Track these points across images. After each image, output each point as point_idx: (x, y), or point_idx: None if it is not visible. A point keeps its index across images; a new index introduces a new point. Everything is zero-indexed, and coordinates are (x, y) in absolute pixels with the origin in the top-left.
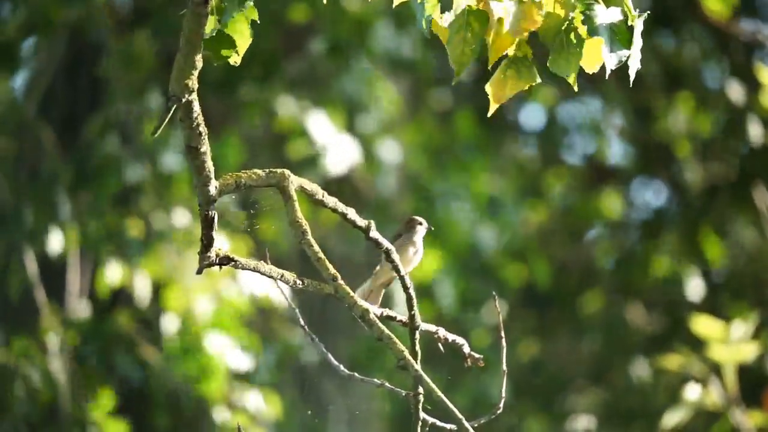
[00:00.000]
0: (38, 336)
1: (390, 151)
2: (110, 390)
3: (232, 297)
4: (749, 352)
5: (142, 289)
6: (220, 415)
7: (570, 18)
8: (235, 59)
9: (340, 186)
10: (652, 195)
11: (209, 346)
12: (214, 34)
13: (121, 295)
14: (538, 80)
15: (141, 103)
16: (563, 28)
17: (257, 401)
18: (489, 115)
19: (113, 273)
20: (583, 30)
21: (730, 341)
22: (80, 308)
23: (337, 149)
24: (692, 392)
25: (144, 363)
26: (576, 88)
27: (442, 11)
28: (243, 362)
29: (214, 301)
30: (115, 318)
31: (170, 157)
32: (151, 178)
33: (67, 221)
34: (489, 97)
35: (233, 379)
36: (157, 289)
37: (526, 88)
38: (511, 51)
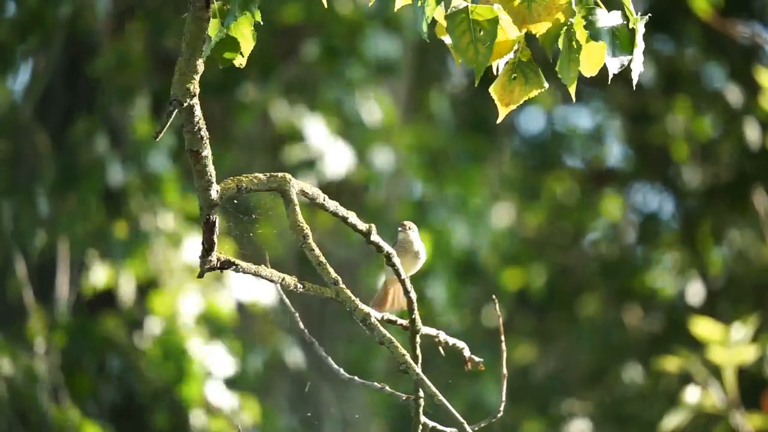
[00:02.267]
0: (24, 337)
1: (383, 158)
2: (103, 393)
3: (218, 301)
4: (749, 354)
5: (126, 291)
6: (199, 419)
7: (569, 23)
8: (240, 61)
9: (338, 189)
10: (650, 198)
11: (191, 350)
12: (219, 40)
13: (112, 297)
14: (546, 86)
15: (131, 104)
16: (562, 33)
17: (234, 406)
18: (499, 121)
19: (99, 275)
20: (582, 35)
21: (730, 344)
22: (68, 310)
23: (333, 154)
24: (692, 395)
25: (133, 365)
26: (574, 99)
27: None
28: (225, 367)
29: (200, 304)
30: (104, 320)
31: (158, 159)
32: (138, 180)
33: (54, 222)
34: (495, 102)
35: (212, 383)
36: (144, 290)
37: (536, 94)
38: (511, 55)
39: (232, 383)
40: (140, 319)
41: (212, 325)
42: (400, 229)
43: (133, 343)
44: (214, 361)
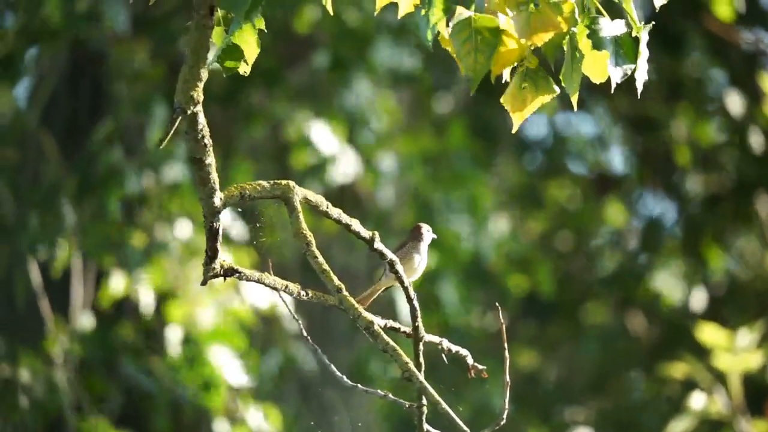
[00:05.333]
0: (42, 347)
1: (389, 163)
2: (113, 397)
3: (234, 308)
4: (754, 361)
5: (145, 300)
6: (221, 427)
7: (572, 32)
8: (244, 69)
9: (341, 196)
10: (653, 205)
11: (211, 359)
12: (224, 48)
13: (125, 306)
14: (557, 91)
15: (145, 113)
16: (565, 42)
17: (257, 415)
18: (514, 131)
19: (116, 284)
20: (584, 45)
21: (735, 350)
22: (84, 319)
23: (339, 160)
24: (697, 401)
25: (149, 371)
26: (575, 108)
27: (448, 23)
28: (242, 377)
29: (217, 312)
30: (119, 328)
31: (173, 168)
32: (154, 189)
33: (71, 232)
34: (509, 112)
35: (234, 392)
36: (161, 299)
37: (548, 100)
38: (516, 64)
39: (252, 391)
40: (159, 327)
41: (229, 333)
42: (426, 230)
43: (151, 352)
44: (233, 371)
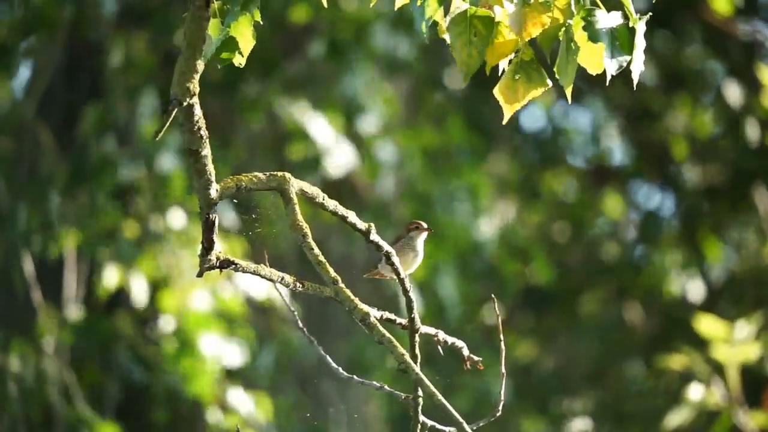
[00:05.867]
0: (34, 337)
1: (388, 153)
2: (110, 389)
3: (227, 298)
4: (752, 352)
5: (139, 290)
6: (214, 415)
7: (568, 24)
8: (239, 61)
9: (339, 188)
10: (650, 196)
11: (203, 347)
12: (221, 40)
13: (119, 296)
14: (550, 84)
15: (138, 103)
16: (560, 34)
17: (248, 403)
18: (504, 122)
19: (110, 274)
20: (580, 37)
21: (733, 341)
22: (77, 309)
23: (337, 151)
24: (695, 392)
25: (143, 362)
26: (570, 101)
27: (445, 15)
28: (236, 359)
29: (210, 301)
30: (113, 319)
31: (166, 158)
32: (147, 179)
33: (63, 222)
34: (500, 103)
35: (226, 380)
36: (155, 289)
37: (540, 93)
38: (512, 55)
39: (245, 380)
40: (152, 317)
41: (224, 321)
42: (423, 226)
43: (144, 341)
44: (226, 356)
